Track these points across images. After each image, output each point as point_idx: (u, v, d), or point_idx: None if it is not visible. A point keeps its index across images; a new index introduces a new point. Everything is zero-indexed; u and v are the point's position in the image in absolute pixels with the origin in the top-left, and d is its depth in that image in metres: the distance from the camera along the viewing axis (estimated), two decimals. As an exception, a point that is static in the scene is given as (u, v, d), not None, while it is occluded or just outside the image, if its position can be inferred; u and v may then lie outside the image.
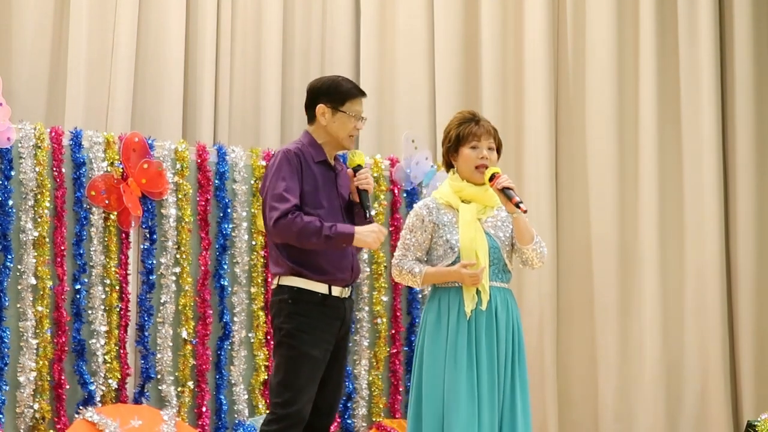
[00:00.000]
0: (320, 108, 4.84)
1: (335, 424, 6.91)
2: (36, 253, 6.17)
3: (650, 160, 7.79)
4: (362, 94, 4.92)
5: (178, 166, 6.64)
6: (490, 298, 4.87)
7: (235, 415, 6.71)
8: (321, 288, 4.77)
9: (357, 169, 4.93)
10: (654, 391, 7.66)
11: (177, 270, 6.60)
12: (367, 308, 7.10)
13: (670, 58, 7.92)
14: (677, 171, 7.88)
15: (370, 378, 7.10)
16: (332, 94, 4.84)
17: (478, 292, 4.86)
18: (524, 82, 7.93)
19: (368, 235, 4.76)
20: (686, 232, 7.83)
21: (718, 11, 7.93)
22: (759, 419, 6.51)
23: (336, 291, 4.80)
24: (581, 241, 7.89)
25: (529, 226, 4.94)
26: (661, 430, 7.67)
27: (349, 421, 7.00)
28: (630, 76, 7.91)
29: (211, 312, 6.68)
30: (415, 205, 5.10)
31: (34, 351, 6.13)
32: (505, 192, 4.88)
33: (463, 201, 4.96)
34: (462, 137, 4.98)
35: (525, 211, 4.87)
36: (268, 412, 4.87)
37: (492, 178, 4.91)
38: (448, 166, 5.06)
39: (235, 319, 6.76)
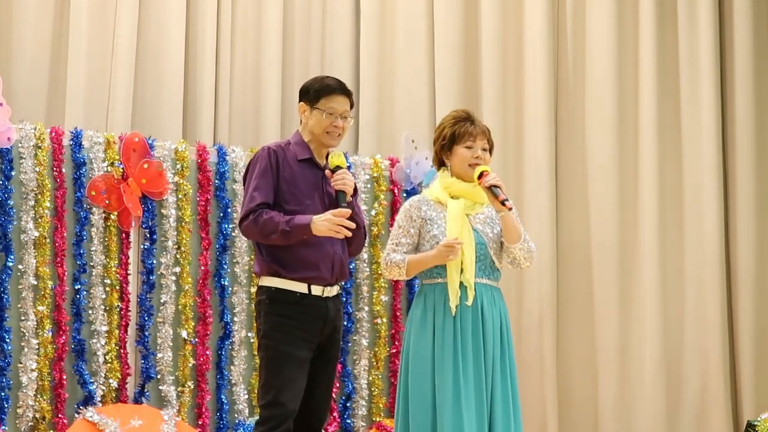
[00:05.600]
0: (300, 106, 4.91)
1: (335, 424, 6.92)
2: (36, 253, 6.17)
3: (650, 160, 7.79)
4: (341, 92, 4.88)
5: (178, 166, 6.64)
6: (476, 294, 4.86)
7: (236, 415, 6.72)
8: (299, 287, 4.75)
9: (335, 170, 4.90)
10: (654, 391, 7.66)
11: (177, 270, 6.61)
12: (366, 308, 7.10)
13: (670, 58, 7.92)
14: (677, 171, 7.88)
15: (370, 378, 7.10)
16: (309, 92, 4.89)
17: (463, 287, 4.85)
18: (524, 82, 7.93)
19: (321, 224, 4.67)
20: (686, 232, 7.83)
21: (718, 11, 7.93)
22: (759, 419, 6.52)
23: (316, 290, 4.78)
24: (581, 241, 7.89)
25: (517, 224, 4.93)
26: (661, 430, 7.67)
27: (348, 421, 7.00)
28: (630, 75, 7.92)
29: (211, 312, 6.68)
30: (405, 202, 5.11)
31: (35, 351, 6.13)
32: (492, 190, 4.88)
33: (452, 197, 4.96)
34: (457, 136, 4.99)
35: (510, 209, 4.87)
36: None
37: (481, 176, 4.91)
38: (440, 164, 5.06)
39: (235, 319, 6.76)
